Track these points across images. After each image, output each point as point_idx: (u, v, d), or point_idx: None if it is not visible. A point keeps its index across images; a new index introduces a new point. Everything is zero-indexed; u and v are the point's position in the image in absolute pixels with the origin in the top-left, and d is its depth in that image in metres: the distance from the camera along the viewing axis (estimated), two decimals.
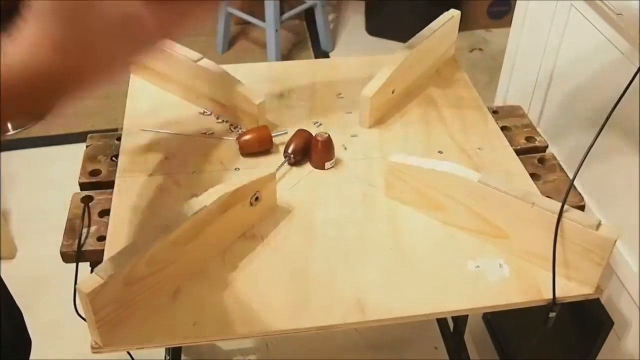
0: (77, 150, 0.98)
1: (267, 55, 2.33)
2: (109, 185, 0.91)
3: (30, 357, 0.95)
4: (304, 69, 1.16)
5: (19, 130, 2.09)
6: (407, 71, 1.04)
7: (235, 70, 1.01)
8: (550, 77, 1.17)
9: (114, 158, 0.96)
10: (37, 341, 0.97)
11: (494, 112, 1.08)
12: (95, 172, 0.94)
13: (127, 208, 0.87)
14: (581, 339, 1.06)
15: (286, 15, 2.33)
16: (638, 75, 0.78)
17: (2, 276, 0.86)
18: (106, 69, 0.46)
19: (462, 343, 1.35)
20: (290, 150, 0.94)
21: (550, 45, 1.14)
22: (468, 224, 0.83)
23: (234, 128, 1.02)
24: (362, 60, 1.18)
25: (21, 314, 0.93)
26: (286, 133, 0.99)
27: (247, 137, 0.96)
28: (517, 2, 1.26)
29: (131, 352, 0.83)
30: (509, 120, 1.07)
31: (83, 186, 0.93)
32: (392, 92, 1.03)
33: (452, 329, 1.39)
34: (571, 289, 0.78)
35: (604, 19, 0.97)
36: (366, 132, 1.01)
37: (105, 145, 0.99)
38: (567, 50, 1.11)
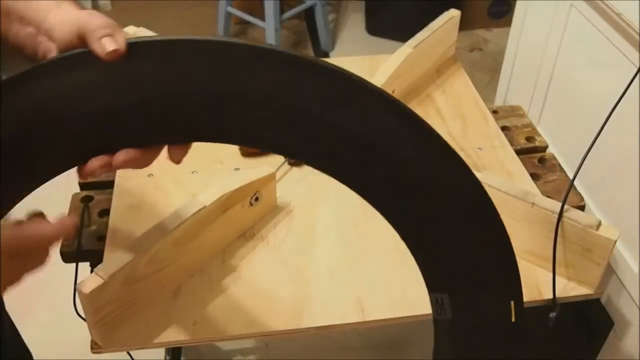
0: None
1: None
2: (109, 185, 0.91)
3: None
4: None
5: None
6: (407, 71, 1.04)
7: None
8: (550, 77, 1.16)
9: None
10: (37, 341, 0.97)
11: (494, 112, 1.08)
12: None
13: (127, 208, 0.87)
14: (581, 339, 1.06)
15: (286, 15, 2.33)
16: (638, 75, 0.78)
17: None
18: None
19: None
20: None
21: (550, 45, 1.14)
22: None
23: None
24: (362, 60, 1.18)
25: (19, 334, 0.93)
26: None
27: None
28: (517, 2, 1.26)
29: (131, 352, 0.83)
30: (509, 120, 1.07)
31: (83, 186, 0.93)
32: (392, 92, 1.03)
33: None
34: (571, 289, 0.78)
35: (604, 19, 0.96)
36: None
37: None
38: (567, 50, 1.10)
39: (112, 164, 0.48)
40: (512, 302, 0.54)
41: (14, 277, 0.46)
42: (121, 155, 0.48)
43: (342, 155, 0.50)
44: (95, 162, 0.48)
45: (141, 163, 0.50)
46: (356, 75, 0.46)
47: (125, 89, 0.45)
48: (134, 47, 0.44)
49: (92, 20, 0.45)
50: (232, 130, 0.49)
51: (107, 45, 0.43)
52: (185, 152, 0.51)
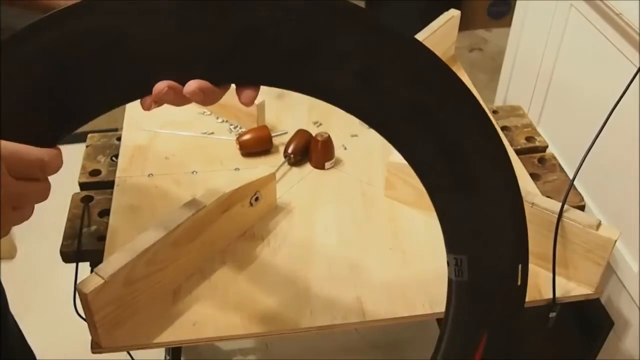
0: (77, 150, 0.98)
1: None
2: (109, 185, 0.91)
3: None
4: None
5: None
6: None
7: None
8: (550, 77, 1.16)
9: (113, 158, 0.96)
10: (37, 341, 0.97)
11: (494, 112, 1.08)
12: (95, 172, 0.94)
13: (127, 208, 0.87)
14: (581, 339, 1.06)
15: None
16: (638, 75, 0.78)
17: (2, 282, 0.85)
18: None
19: None
20: (290, 150, 0.94)
21: (550, 45, 1.14)
22: None
23: (234, 128, 1.02)
24: None
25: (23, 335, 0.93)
26: (286, 133, 0.99)
27: (247, 137, 0.96)
28: (517, 2, 1.26)
29: (131, 352, 0.83)
30: (509, 120, 1.07)
31: (83, 186, 0.93)
32: None
33: None
34: (571, 289, 0.78)
35: (604, 19, 0.97)
36: (366, 132, 1.01)
37: (105, 145, 0.99)
38: (567, 50, 1.11)
39: (184, 90, 0.49)
40: (519, 266, 0.59)
41: (19, 201, 0.47)
42: (193, 84, 0.48)
43: (401, 119, 0.54)
44: (163, 83, 0.48)
45: (211, 97, 0.50)
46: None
47: (200, 25, 0.47)
48: None
49: None
50: (304, 80, 0.51)
51: None
52: (256, 96, 0.51)
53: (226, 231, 0.81)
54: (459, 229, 0.58)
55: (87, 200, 0.89)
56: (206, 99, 0.50)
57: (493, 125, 0.55)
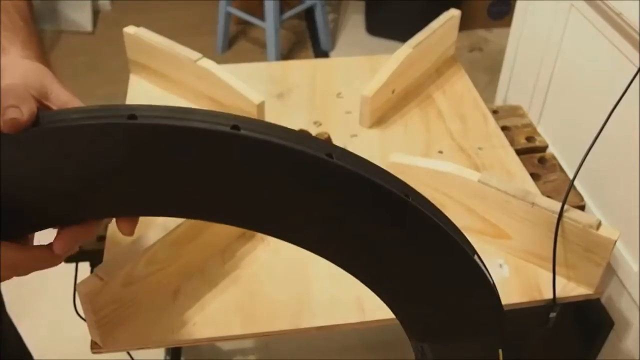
0: None
1: (267, 55, 2.33)
2: None
3: None
4: (303, 69, 1.16)
5: None
6: (407, 71, 1.04)
7: (235, 70, 1.01)
8: (550, 77, 1.16)
9: None
10: (38, 341, 0.97)
11: (494, 112, 1.08)
12: None
13: None
14: (581, 339, 1.06)
15: (286, 15, 2.33)
16: (638, 75, 0.78)
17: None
18: None
19: None
20: None
21: (550, 45, 1.14)
22: (468, 224, 0.83)
23: None
24: (362, 60, 1.18)
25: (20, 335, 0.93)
26: None
27: None
28: (517, 2, 1.26)
29: (131, 352, 0.83)
30: (509, 120, 1.07)
31: None
32: (392, 92, 1.03)
33: None
34: (571, 289, 0.78)
35: (604, 19, 0.97)
36: (366, 132, 1.01)
37: None
38: (567, 50, 1.11)
39: (55, 251, 0.48)
40: (499, 350, 0.52)
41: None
42: (58, 242, 0.48)
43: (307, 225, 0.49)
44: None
45: (83, 238, 0.49)
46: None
47: (49, 169, 0.42)
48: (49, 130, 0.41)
49: (7, 89, 0.42)
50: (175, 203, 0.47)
51: (10, 114, 0.40)
52: (134, 225, 0.48)
53: (226, 231, 0.81)
54: (412, 315, 0.52)
55: None
56: (81, 238, 0.48)
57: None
